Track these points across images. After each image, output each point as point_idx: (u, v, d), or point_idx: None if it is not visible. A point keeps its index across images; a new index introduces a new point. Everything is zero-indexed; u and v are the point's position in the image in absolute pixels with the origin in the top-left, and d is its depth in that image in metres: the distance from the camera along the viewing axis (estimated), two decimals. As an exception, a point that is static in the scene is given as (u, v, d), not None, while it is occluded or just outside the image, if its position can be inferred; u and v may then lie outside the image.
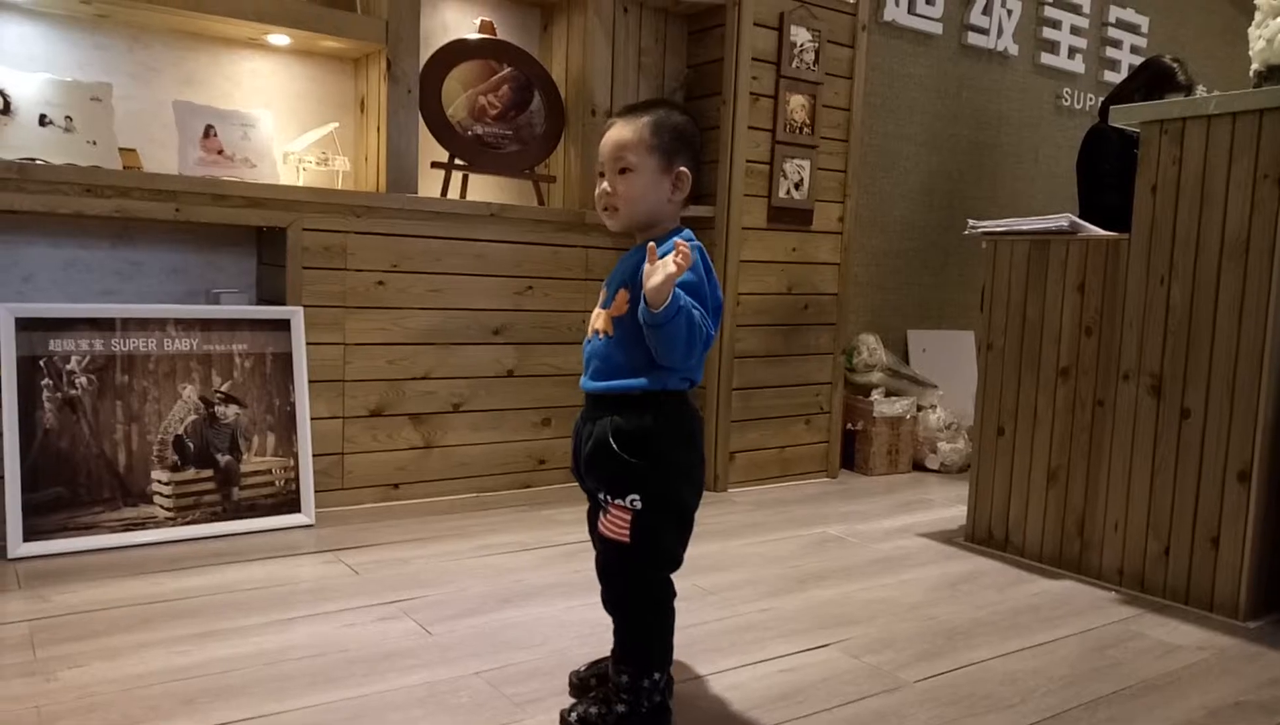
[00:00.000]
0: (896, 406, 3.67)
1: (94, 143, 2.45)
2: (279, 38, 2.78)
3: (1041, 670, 1.85)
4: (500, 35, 3.17)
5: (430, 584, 2.17)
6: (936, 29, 4.13)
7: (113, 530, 2.33)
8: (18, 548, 2.21)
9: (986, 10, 4.30)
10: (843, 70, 3.38)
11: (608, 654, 1.57)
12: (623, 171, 1.49)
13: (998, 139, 4.48)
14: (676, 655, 1.58)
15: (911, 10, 4.04)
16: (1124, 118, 2.41)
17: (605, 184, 1.52)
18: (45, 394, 2.29)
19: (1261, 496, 2.15)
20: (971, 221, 2.77)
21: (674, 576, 1.54)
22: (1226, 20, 5.41)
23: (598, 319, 1.53)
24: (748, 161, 3.18)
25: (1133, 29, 4.95)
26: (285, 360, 2.62)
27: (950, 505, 3.20)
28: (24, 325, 2.29)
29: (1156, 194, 2.31)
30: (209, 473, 2.49)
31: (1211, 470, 2.21)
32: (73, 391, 2.33)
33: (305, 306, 2.66)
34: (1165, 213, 2.30)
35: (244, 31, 2.72)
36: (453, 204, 2.91)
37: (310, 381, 2.66)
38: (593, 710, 1.51)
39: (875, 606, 2.17)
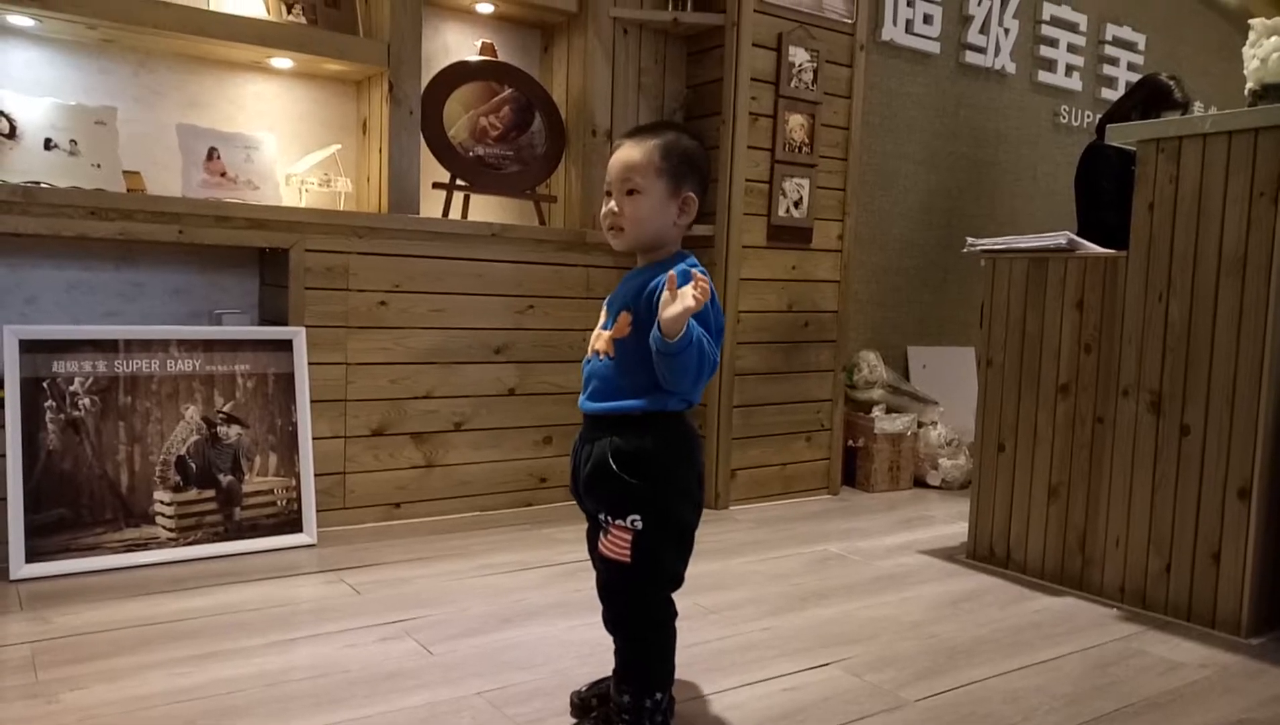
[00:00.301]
0: (897, 423, 3.68)
1: (98, 166, 2.47)
2: (282, 61, 2.81)
3: (1043, 688, 1.85)
4: (501, 57, 3.20)
5: (432, 604, 2.18)
6: (934, 48, 4.16)
7: (115, 551, 2.33)
8: (20, 569, 2.21)
9: (984, 29, 4.33)
10: (841, 90, 3.41)
11: (609, 674, 1.57)
12: (630, 193, 1.50)
13: (996, 156, 4.50)
14: (678, 674, 1.58)
15: (909, 30, 4.07)
16: (1120, 136, 2.42)
17: (612, 204, 1.52)
18: (49, 415, 2.31)
19: (1262, 512, 2.15)
20: (970, 239, 2.78)
21: (675, 595, 1.54)
22: (1223, 37, 5.44)
23: (598, 340, 1.54)
24: (747, 181, 3.20)
25: (1130, 46, 4.98)
26: (287, 380, 2.63)
27: (951, 522, 3.19)
28: (28, 347, 2.30)
29: (1154, 212, 2.33)
30: (211, 493, 2.49)
31: (1212, 486, 2.21)
32: (76, 412, 2.34)
33: (307, 327, 2.67)
34: (1163, 230, 2.31)
35: (247, 55, 2.75)
36: (454, 224, 2.93)
37: (312, 401, 2.67)
38: (594, 731, 1.51)
39: (877, 625, 2.17)
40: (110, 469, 2.37)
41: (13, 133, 2.38)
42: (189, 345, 2.50)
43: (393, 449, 2.85)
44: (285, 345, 2.63)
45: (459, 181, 3.02)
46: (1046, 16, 4.57)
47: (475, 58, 3.12)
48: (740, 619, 2.17)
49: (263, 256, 2.84)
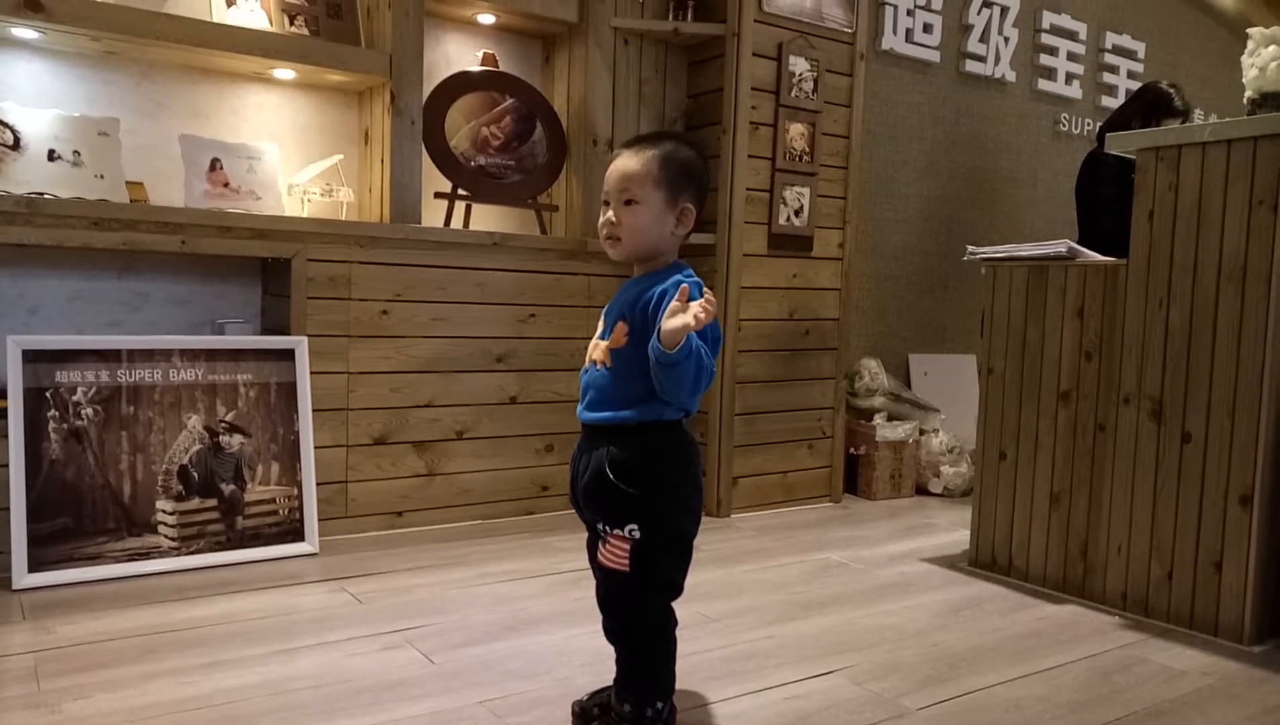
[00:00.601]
0: (899, 431, 3.68)
1: (101, 176, 2.48)
2: (284, 72, 2.82)
3: (1046, 697, 1.85)
4: (502, 67, 3.21)
5: (434, 613, 2.18)
6: (934, 57, 4.17)
7: (117, 560, 2.34)
8: (23, 578, 2.22)
9: (984, 38, 4.34)
10: (841, 98, 3.42)
11: (611, 683, 1.57)
12: (628, 203, 1.50)
13: (996, 164, 4.51)
14: (679, 684, 1.58)
15: (909, 39, 4.08)
16: (1120, 145, 2.43)
17: (610, 213, 1.52)
18: (51, 425, 2.31)
19: (1264, 520, 2.15)
20: (971, 247, 2.79)
21: (676, 604, 1.55)
22: (1222, 45, 5.45)
23: (595, 349, 1.54)
24: (748, 189, 3.21)
25: (1129, 55, 4.99)
26: (289, 389, 2.64)
27: (953, 530, 3.19)
28: (31, 357, 2.31)
29: (1154, 220, 2.33)
30: (213, 502, 2.50)
31: (1213, 494, 2.21)
32: (79, 422, 2.35)
33: (309, 336, 2.68)
34: (1163, 238, 2.32)
35: (250, 66, 2.77)
36: (456, 234, 2.94)
37: (314, 410, 2.68)
38: (596, 740, 1.51)
39: (879, 633, 2.17)
40: (113, 478, 2.37)
41: (17, 144, 2.40)
42: (191, 355, 2.51)
43: (394, 458, 2.85)
44: (287, 354, 2.64)
45: (460, 191, 3.03)
46: (1046, 25, 4.58)
47: (477, 68, 3.13)
48: (742, 627, 2.17)
49: (265, 266, 2.85)
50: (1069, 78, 4.71)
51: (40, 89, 2.56)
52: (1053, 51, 4.64)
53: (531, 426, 3.10)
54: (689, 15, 3.24)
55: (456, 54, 3.20)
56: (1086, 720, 1.75)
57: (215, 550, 2.47)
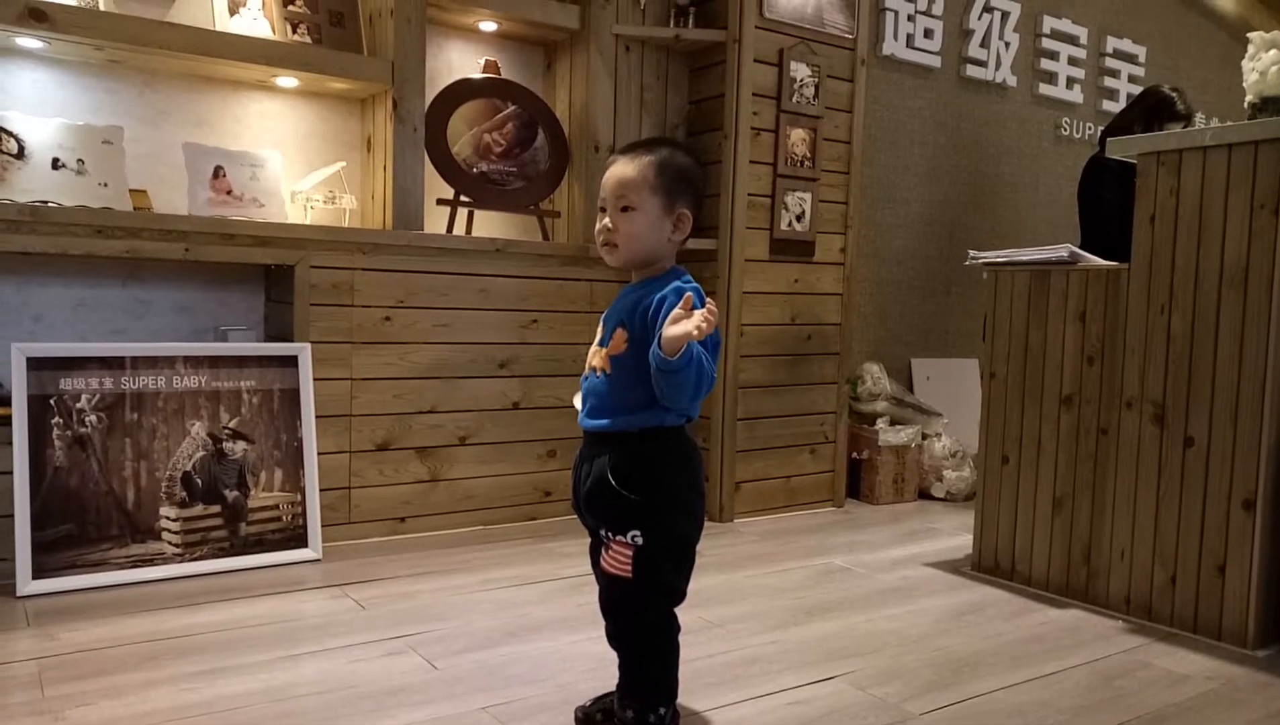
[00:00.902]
0: (901, 435, 3.68)
1: (105, 185, 2.49)
2: (287, 80, 2.83)
3: (1049, 701, 1.85)
4: (504, 74, 3.22)
5: (437, 618, 2.18)
6: (935, 62, 4.18)
7: (121, 567, 2.34)
8: (27, 585, 2.22)
9: (985, 43, 4.35)
10: (843, 104, 3.43)
11: (614, 689, 1.58)
12: (625, 209, 1.50)
13: (998, 169, 4.51)
14: (682, 689, 1.58)
15: (910, 44, 4.09)
16: (1121, 150, 2.43)
17: (606, 220, 1.52)
18: (55, 432, 2.32)
19: (1267, 524, 2.15)
20: (972, 252, 2.79)
21: (679, 609, 1.55)
22: (1224, 49, 5.46)
23: (595, 356, 1.55)
24: (749, 195, 3.22)
25: (1130, 59, 5.00)
26: (293, 396, 2.64)
27: (956, 534, 3.19)
28: (35, 364, 2.31)
29: (1155, 224, 2.33)
30: (217, 509, 2.50)
31: (1216, 498, 2.21)
32: (83, 429, 2.35)
33: (313, 342, 2.68)
34: (1164, 243, 2.32)
35: (253, 74, 2.78)
36: (458, 240, 2.94)
37: (317, 417, 2.68)
38: (599, 746, 1.51)
39: (882, 638, 2.17)
40: (116, 485, 2.38)
41: (21, 153, 2.41)
42: (195, 362, 2.52)
43: (397, 464, 2.86)
44: (290, 361, 2.65)
45: (463, 197, 3.04)
46: (1047, 29, 4.59)
47: (479, 75, 3.14)
48: (745, 632, 2.17)
49: (268, 273, 2.86)
50: (1070, 82, 4.72)
51: (44, 98, 2.57)
52: (1054, 56, 4.64)
53: (534, 432, 3.10)
54: (690, 22, 3.25)
55: (458, 61, 3.21)
56: (1090, 725, 1.75)
57: (218, 557, 2.47)
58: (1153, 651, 2.14)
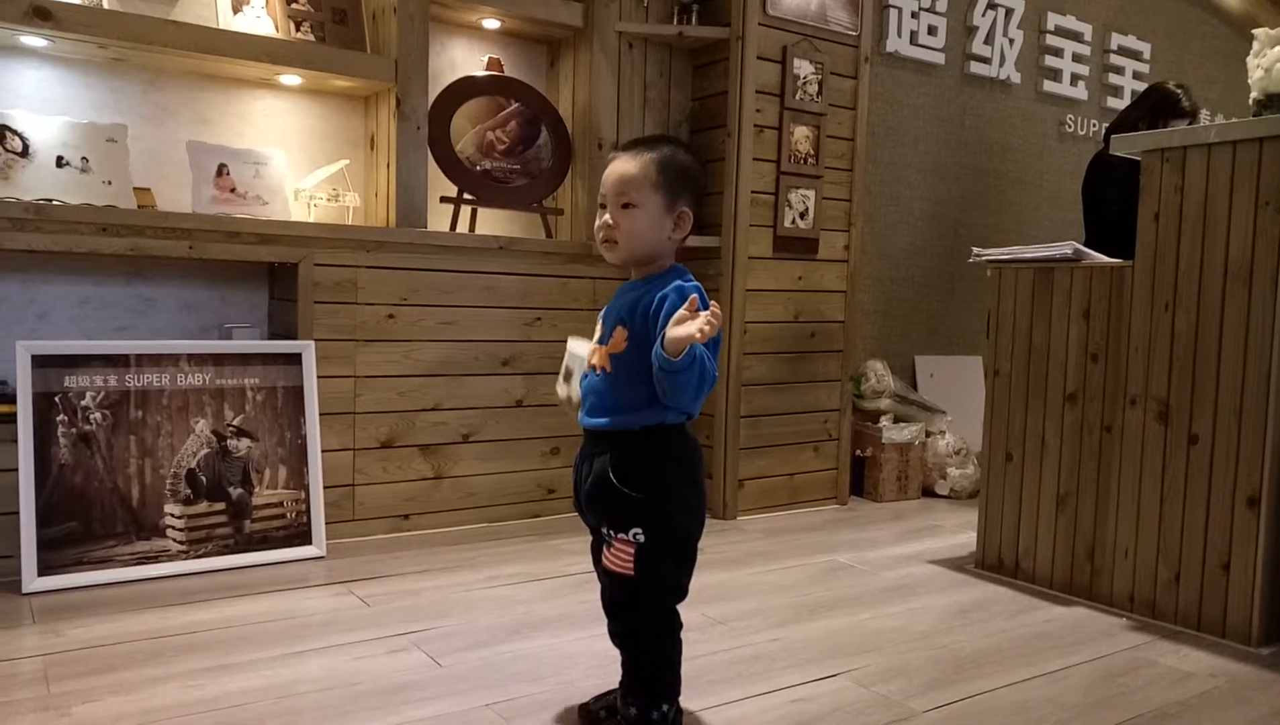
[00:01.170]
0: (905, 432, 3.68)
1: (109, 183, 2.50)
2: (290, 78, 2.84)
3: (1053, 699, 1.85)
4: (507, 72, 3.22)
5: (440, 615, 2.18)
6: (939, 59, 4.18)
7: (126, 564, 2.35)
8: (32, 582, 2.23)
9: (989, 40, 4.34)
10: (846, 101, 3.42)
11: (616, 686, 1.58)
12: (625, 206, 1.50)
13: (1002, 166, 4.51)
14: (685, 686, 1.58)
15: (914, 41, 4.08)
16: (1125, 147, 2.43)
17: (607, 216, 1.52)
18: (60, 430, 2.33)
19: (1271, 522, 2.15)
20: (976, 250, 2.78)
21: (682, 606, 1.55)
22: (1229, 45, 5.44)
23: (594, 355, 1.54)
24: (753, 192, 3.22)
25: (1135, 55, 4.99)
26: (296, 394, 2.65)
27: (960, 531, 3.19)
28: (40, 362, 2.32)
29: (1159, 222, 2.33)
30: (221, 506, 2.51)
31: (1220, 496, 2.21)
32: (87, 427, 2.36)
33: (316, 340, 2.69)
34: (1168, 240, 2.31)
35: (256, 72, 2.78)
36: (462, 238, 2.95)
37: (321, 414, 2.69)
38: (602, 742, 1.52)
39: (885, 635, 2.17)
40: (121, 482, 2.38)
41: (25, 151, 2.41)
42: (199, 359, 2.52)
43: (401, 461, 2.86)
44: (294, 359, 2.65)
45: (466, 195, 3.04)
46: (1051, 26, 4.58)
47: (482, 73, 3.14)
48: (748, 630, 2.17)
49: (272, 271, 2.86)
50: (1074, 79, 4.71)
51: (49, 96, 2.58)
52: (1058, 53, 4.64)
53: (537, 429, 3.11)
54: (693, 19, 3.25)
55: (462, 59, 3.21)
56: (1093, 722, 1.75)
57: (223, 554, 2.48)
58: (1157, 649, 2.14)
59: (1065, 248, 2.54)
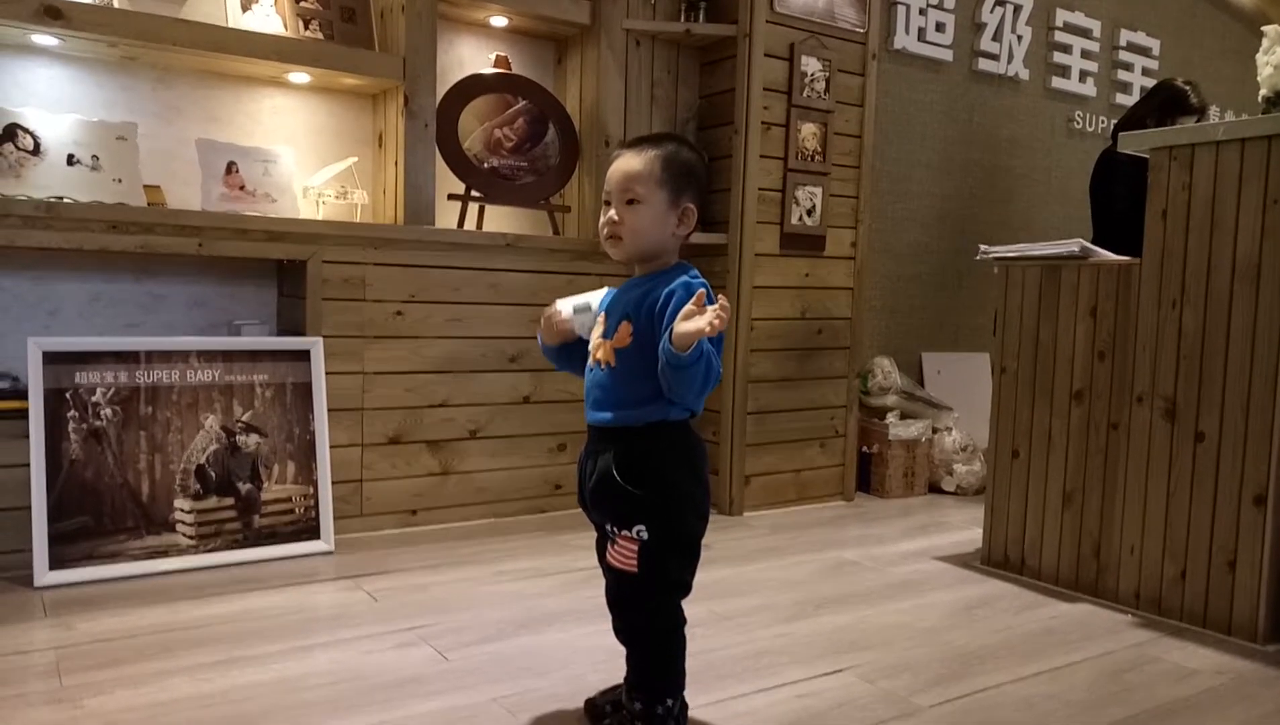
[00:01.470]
0: (912, 429, 3.68)
1: (119, 180, 2.52)
2: (299, 76, 2.85)
3: (1057, 695, 1.85)
4: (515, 69, 3.23)
5: (448, 610, 2.20)
6: (947, 56, 4.17)
7: (136, 558, 2.37)
8: (44, 576, 2.25)
9: (997, 36, 4.33)
10: (854, 98, 3.42)
11: (623, 680, 1.59)
12: (630, 202, 1.51)
13: (1010, 162, 4.50)
14: (691, 681, 1.59)
15: (921, 38, 4.07)
16: (1133, 145, 2.42)
17: (612, 212, 1.53)
18: (71, 425, 2.34)
19: (1277, 519, 2.14)
20: (983, 247, 2.78)
21: (689, 601, 1.56)
22: (1239, 42, 5.41)
23: (599, 349, 1.55)
24: (760, 189, 3.22)
25: (1144, 51, 4.97)
26: (305, 390, 2.66)
27: (966, 528, 3.19)
28: (51, 358, 2.34)
29: (1167, 219, 2.33)
30: (230, 501, 2.52)
31: (1227, 494, 2.21)
32: (98, 423, 2.38)
33: (325, 337, 2.70)
34: (1176, 238, 2.31)
35: (265, 70, 2.79)
36: (469, 235, 2.96)
37: (330, 410, 2.70)
38: (608, 737, 1.52)
39: (891, 631, 2.18)
40: (131, 478, 2.40)
41: (37, 149, 2.43)
42: (208, 356, 2.54)
43: (409, 457, 2.88)
44: (303, 355, 2.67)
45: (474, 193, 3.05)
46: (1059, 23, 4.56)
47: (489, 71, 3.15)
48: (754, 625, 2.17)
49: (281, 268, 2.88)
50: (1083, 75, 4.70)
51: (60, 95, 2.60)
52: (1066, 49, 4.62)
53: (544, 425, 3.12)
54: (701, 16, 3.26)
55: (469, 57, 3.22)
56: (1098, 719, 1.75)
57: (232, 548, 2.50)
58: (1162, 646, 2.15)
59: (1072, 245, 2.54)
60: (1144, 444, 2.37)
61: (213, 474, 2.51)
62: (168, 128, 2.75)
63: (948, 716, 1.74)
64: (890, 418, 3.69)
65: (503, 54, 3.20)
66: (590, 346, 1.58)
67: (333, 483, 2.69)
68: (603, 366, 1.53)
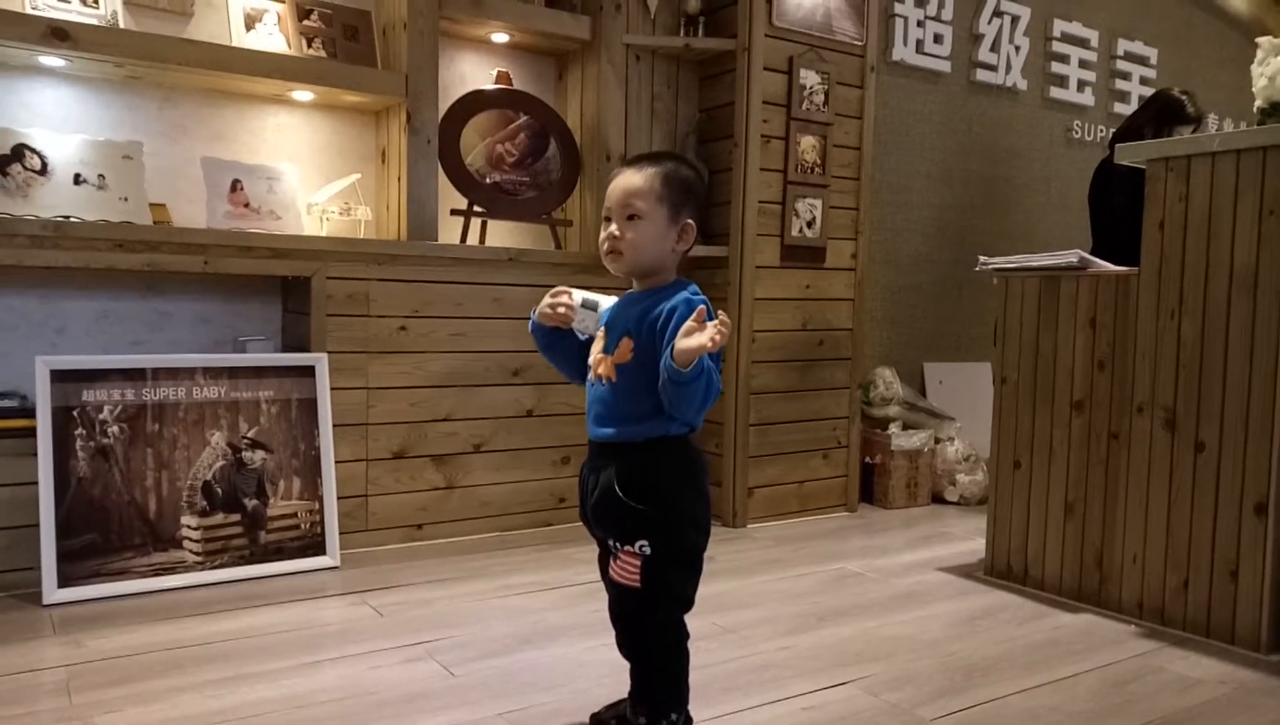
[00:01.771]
0: (914, 439, 3.69)
1: (125, 199, 2.54)
2: (303, 94, 2.87)
3: (1061, 706, 1.86)
4: (516, 85, 3.25)
5: (454, 625, 2.21)
6: (945, 67, 4.19)
7: (144, 575, 2.38)
8: (53, 594, 2.26)
9: (994, 47, 4.36)
10: (853, 110, 3.44)
11: (627, 695, 1.60)
12: (631, 218, 1.53)
13: (1009, 173, 4.52)
14: (695, 694, 1.60)
15: (920, 50, 4.10)
16: (1129, 156, 2.44)
17: (613, 228, 1.54)
18: (79, 443, 2.36)
19: (1279, 529, 2.15)
20: (983, 258, 2.80)
21: (692, 615, 1.57)
22: (1237, 50, 5.43)
23: (600, 364, 1.57)
24: (760, 202, 3.24)
25: (1141, 61, 4.99)
26: (310, 405, 2.68)
27: (970, 538, 3.20)
28: (58, 376, 2.36)
29: (1164, 230, 2.34)
30: (237, 517, 2.54)
31: (1228, 503, 2.22)
32: (105, 440, 2.40)
33: (329, 353, 2.72)
34: (1174, 248, 2.33)
35: (269, 89, 2.82)
36: (472, 250, 2.98)
37: (335, 425, 2.72)
38: (613, 751, 1.53)
39: (894, 643, 2.19)
40: (139, 495, 2.42)
41: (44, 169, 2.46)
42: (214, 373, 2.56)
43: (414, 471, 2.89)
44: (308, 371, 2.68)
45: (476, 208, 3.07)
46: (1057, 33, 4.59)
47: (491, 86, 3.17)
48: (757, 638, 2.18)
49: (285, 284, 2.90)
50: (1081, 85, 4.72)
51: (66, 115, 2.62)
52: (1064, 59, 4.65)
53: (548, 439, 3.13)
54: (700, 31, 3.28)
55: (471, 73, 3.25)
56: (1101, 730, 1.76)
57: (239, 564, 2.51)
58: (1165, 656, 2.15)
59: (1071, 256, 2.56)
60: (1144, 454, 2.38)
61: (219, 490, 2.53)
62: (173, 146, 2.78)
63: (952, 728, 1.75)
64: (892, 428, 3.70)
65: (504, 70, 3.23)
66: (591, 361, 1.60)
67: (338, 498, 2.71)
68: (604, 382, 1.54)
